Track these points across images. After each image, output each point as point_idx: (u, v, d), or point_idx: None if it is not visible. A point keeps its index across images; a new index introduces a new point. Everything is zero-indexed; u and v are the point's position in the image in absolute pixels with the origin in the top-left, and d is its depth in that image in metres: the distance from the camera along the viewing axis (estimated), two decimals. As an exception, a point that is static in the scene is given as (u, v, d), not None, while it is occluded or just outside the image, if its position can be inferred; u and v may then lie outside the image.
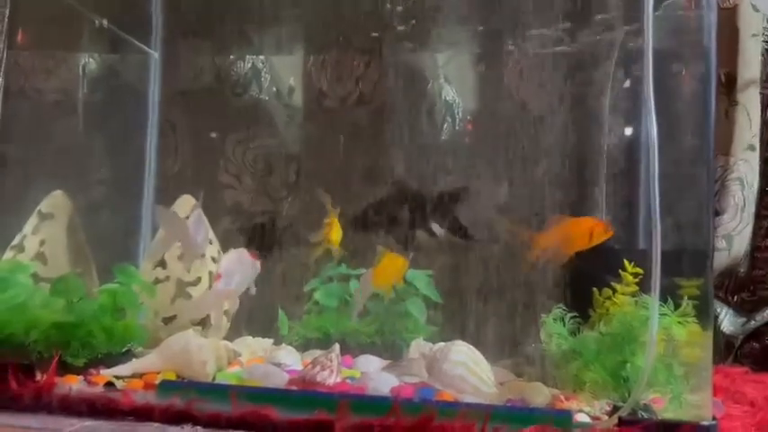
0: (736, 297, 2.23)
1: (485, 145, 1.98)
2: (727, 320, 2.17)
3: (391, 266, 1.60)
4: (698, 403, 1.23)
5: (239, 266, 1.52)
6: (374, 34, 2.05)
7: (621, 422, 1.20)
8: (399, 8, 1.97)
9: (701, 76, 1.42)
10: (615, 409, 1.25)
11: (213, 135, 2.14)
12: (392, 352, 1.76)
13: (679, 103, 1.46)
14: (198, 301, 1.77)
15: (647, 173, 1.36)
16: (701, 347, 1.28)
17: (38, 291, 1.61)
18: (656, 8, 1.37)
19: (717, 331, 2.11)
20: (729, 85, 2.15)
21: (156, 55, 2.03)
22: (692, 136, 1.48)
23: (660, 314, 1.22)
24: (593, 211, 1.87)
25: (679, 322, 1.24)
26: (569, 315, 1.40)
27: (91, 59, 2.04)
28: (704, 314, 1.29)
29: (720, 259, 2.17)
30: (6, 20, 2.05)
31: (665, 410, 1.24)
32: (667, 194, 1.30)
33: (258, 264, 1.55)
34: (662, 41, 1.34)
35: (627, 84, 1.88)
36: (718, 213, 2.14)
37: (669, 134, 1.36)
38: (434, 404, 1.27)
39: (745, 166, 2.16)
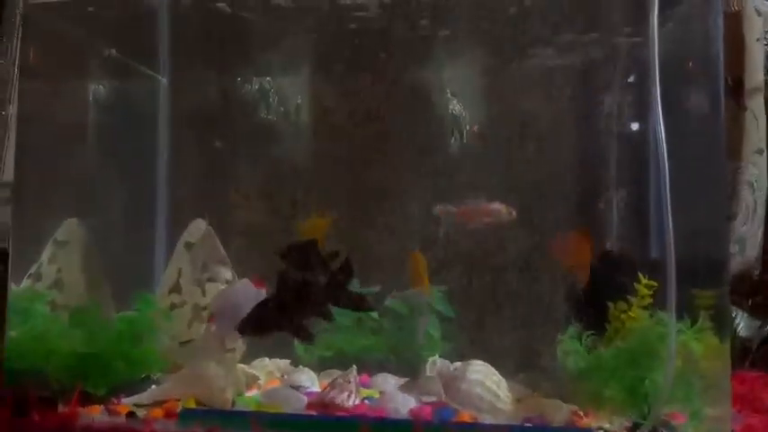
0: (750, 301, 2.22)
1: (493, 161, 1.98)
2: (743, 325, 2.17)
3: (419, 264, 1.64)
4: (717, 417, 1.24)
5: (237, 301, 1.49)
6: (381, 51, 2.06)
7: (642, 438, 1.20)
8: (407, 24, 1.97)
9: (709, 81, 1.43)
10: (635, 425, 1.25)
11: (223, 156, 2.14)
12: (408, 369, 1.75)
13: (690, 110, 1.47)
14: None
15: (657, 182, 1.37)
16: (719, 360, 1.28)
17: (56, 319, 1.62)
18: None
19: (732, 336, 2.10)
20: (736, 90, 2.14)
21: (164, 81, 2.05)
22: (702, 143, 1.48)
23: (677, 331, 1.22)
24: (607, 223, 1.87)
25: (696, 338, 1.24)
26: (586, 333, 1.40)
27: (100, 86, 2.06)
28: (721, 326, 1.29)
29: (733, 263, 2.16)
30: (18, 50, 2.08)
31: (685, 426, 1.24)
32: (680, 204, 1.31)
33: (263, 292, 1.51)
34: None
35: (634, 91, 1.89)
36: (729, 218, 2.13)
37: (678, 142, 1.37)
38: (455, 426, 1.28)
39: (754, 170, 2.16)
